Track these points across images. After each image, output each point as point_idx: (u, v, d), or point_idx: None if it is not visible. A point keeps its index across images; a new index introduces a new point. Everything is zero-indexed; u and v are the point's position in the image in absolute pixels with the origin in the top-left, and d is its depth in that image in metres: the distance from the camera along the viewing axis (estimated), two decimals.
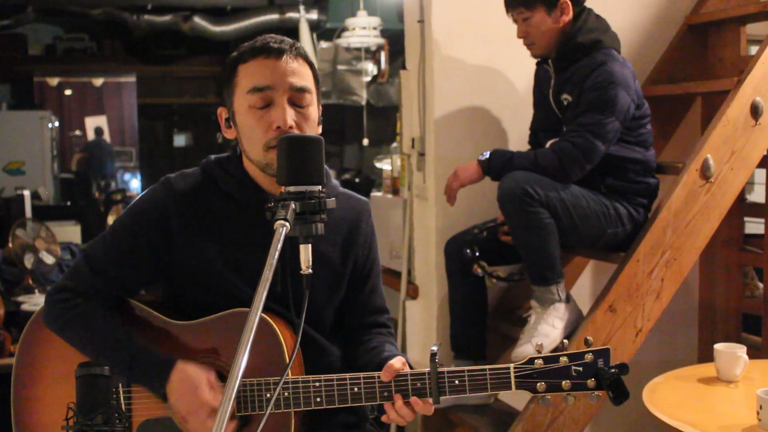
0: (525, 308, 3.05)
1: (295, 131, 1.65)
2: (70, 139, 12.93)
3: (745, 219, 3.27)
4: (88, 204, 8.07)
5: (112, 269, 1.72)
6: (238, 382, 1.15)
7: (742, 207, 3.19)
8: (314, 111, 1.70)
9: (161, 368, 1.63)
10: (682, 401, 2.19)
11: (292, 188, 1.44)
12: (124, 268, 1.72)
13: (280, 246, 1.31)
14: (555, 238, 2.59)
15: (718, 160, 2.65)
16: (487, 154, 2.72)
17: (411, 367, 1.62)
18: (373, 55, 7.63)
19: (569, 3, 2.70)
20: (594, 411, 2.61)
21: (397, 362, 1.60)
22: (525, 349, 2.57)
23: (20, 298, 3.47)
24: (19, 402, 1.76)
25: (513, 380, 1.57)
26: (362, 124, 8.38)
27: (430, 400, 1.59)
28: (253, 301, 1.23)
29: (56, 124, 9.97)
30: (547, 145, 2.72)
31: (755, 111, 2.68)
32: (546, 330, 2.62)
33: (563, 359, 1.56)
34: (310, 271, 1.43)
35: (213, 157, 1.81)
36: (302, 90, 1.67)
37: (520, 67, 3.07)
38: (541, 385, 1.56)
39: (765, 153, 2.78)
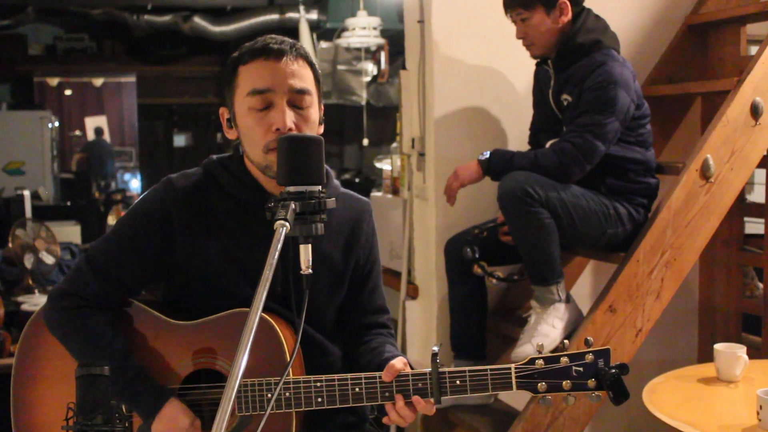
0: (525, 308, 3.05)
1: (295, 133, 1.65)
2: (70, 139, 12.95)
3: (745, 219, 3.27)
4: (88, 204, 8.06)
5: (114, 270, 1.72)
6: (238, 382, 1.15)
7: (742, 207, 3.19)
8: (314, 112, 1.70)
9: (155, 399, 1.65)
10: (682, 401, 2.19)
11: (291, 188, 1.43)
12: (127, 269, 1.72)
13: (280, 246, 1.31)
14: (555, 238, 2.59)
15: (718, 160, 2.65)
16: (487, 154, 2.72)
17: (411, 368, 1.62)
18: (373, 55, 7.63)
19: (568, 3, 2.69)
20: (594, 411, 2.61)
21: (398, 362, 1.60)
22: (525, 349, 2.57)
23: (20, 298, 3.48)
24: (18, 402, 1.76)
25: (514, 380, 1.58)
26: (362, 124, 8.39)
27: (432, 400, 1.59)
28: (253, 301, 1.23)
29: (56, 124, 9.98)
30: (547, 145, 2.72)
31: (755, 111, 2.67)
32: (546, 330, 2.62)
33: (564, 359, 1.56)
34: (310, 271, 1.43)
35: (215, 156, 1.81)
36: (302, 92, 1.67)
37: (520, 68, 3.07)
38: (542, 386, 1.57)
39: (765, 153, 2.77)
